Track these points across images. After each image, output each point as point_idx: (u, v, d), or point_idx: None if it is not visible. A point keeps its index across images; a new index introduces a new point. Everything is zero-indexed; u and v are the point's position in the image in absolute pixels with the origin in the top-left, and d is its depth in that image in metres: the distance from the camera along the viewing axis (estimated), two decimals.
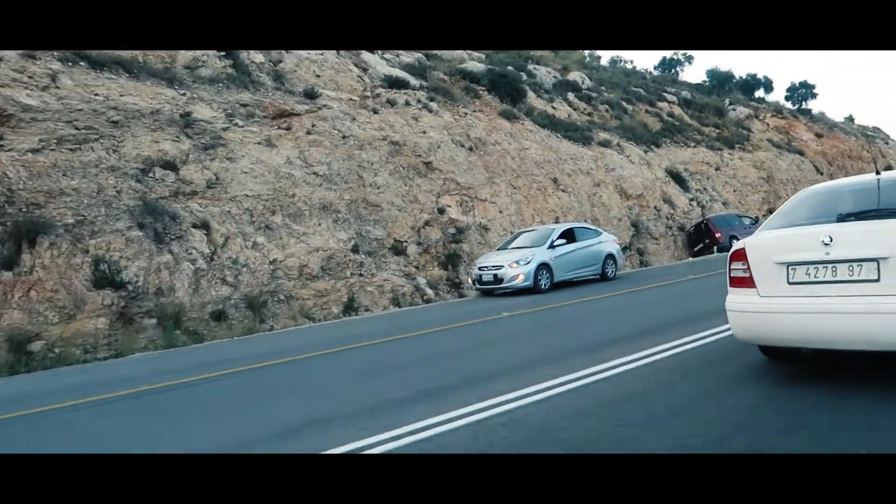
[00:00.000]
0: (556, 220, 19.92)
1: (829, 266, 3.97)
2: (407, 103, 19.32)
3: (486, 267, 13.66)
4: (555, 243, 13.51)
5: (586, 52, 45.93)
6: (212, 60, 15.95)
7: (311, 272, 14.12)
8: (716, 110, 37.25)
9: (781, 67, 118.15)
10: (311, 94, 16.97)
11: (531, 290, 13.14)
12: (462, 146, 19.14)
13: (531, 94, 25.44)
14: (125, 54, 14.40)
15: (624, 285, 13.51)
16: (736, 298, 4.58)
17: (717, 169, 30.42)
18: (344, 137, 16.68)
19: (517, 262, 13.05)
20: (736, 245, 4.73)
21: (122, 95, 13.26)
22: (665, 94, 35.99)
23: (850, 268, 3.87)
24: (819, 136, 42.79)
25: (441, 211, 17.45)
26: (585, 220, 20.65)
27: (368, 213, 15.96)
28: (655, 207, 24.06)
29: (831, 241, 3.95)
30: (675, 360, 5.66)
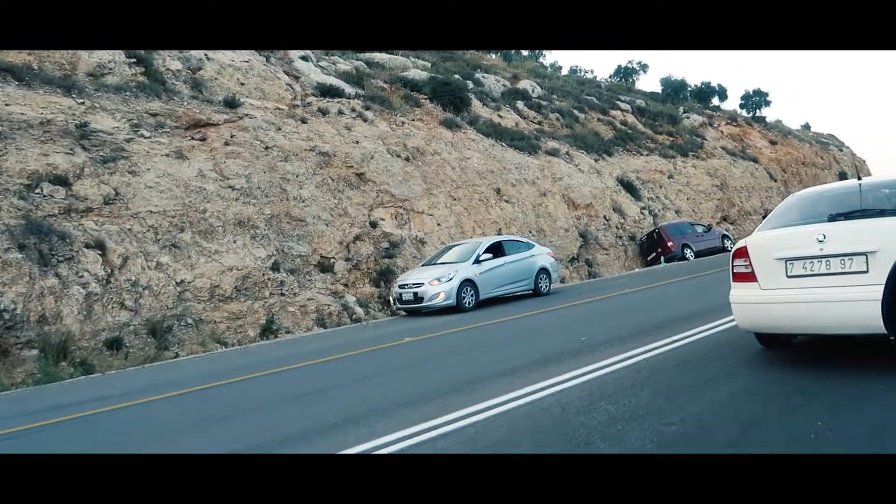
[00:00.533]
0: (499, 232, 19.20)
1: (824, 260, 4.43)
2: (340, 112, 18.45)
3: (406, 285, 12.79)
4: (480, 258, 12.69)
5: (546, 61, 45.79)
6: (119, 67, 14.89)
7: (223, 293, 13.10)
8: (669, 118, 37.15)
9: (736, 75, 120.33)
10: (231, 103, 16.00)
11: (455, 308, 12.30)
12: (398, 156, 18.33)
13: (476, 103, 24.79)
14: (17, 60, 13.30)
15: (555, 301, 12.79)
16: (739, 292, 4.98)
17: (670, 177, 30.14)
18: (267, 148, 15.73)
19: (438, 280, 12.20)
20: (738, 244, 5.16)
21: (7, 105, 12.15)
22: (619, 102, 35.74)
23: (843, 261, 4.35)
24: (773, 143, 43.07)
25: (373, 224, 16.58)
26: (530, 232, 19.98)
27: (292, 229, 15.01)
28: (605, 217, 23.53)
29: (825, 238, 4.42)
30: (571, 394, 4.85)
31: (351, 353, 9.11)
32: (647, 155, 30.95)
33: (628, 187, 26.52)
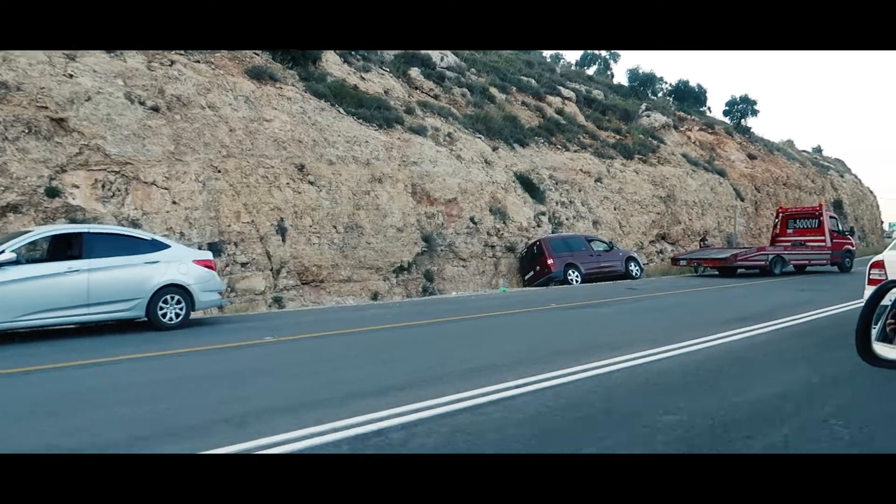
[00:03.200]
0: (280, 223, 14.02)
1: None
2: None
3: None
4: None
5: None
6: None
7: None
8: (623, 114, 31.71)
9: (724, 80, 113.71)
10: None
11: None
12: (141, 104, 13.17)
13: (334, 59, 19.55)
14: None
15: (176, 342, 7.62)
16: None
17: (598, 180, 24.77)
18: None
19: None
20: (875, 258, 8.10)
21: None
22: (562, 88, 30.31)
23: None
24: (752, 157, 37.50)
25: (53, 193, 11.47)
26: (335, 227, 14.78)
27: None
28: (473, 219, 18.26)
29: None
30: None
31: None
32: (575, 151, 25.61)
33: (528, 185, 21.22)
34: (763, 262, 18.78)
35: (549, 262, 17.60)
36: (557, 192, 22.75)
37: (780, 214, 22.27)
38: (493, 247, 18.53)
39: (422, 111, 20.43)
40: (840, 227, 21.85)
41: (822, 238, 20.59)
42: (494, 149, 21.79)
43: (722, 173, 32.69)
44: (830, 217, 21.63)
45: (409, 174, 17.20)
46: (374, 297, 14.93)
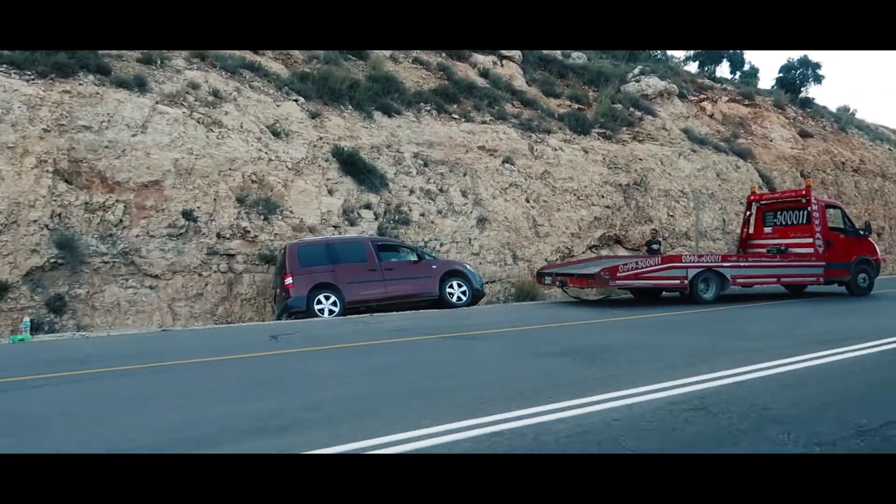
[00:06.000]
0: None
1: None
2: None
3: None
4: None
5: None
6: None
7: None
8: (596, 77, 23.71)
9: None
10: None
11: None
12: None
13: None
14: None
15: None
16: None
17: (508, 161, 17.33)
18: None
19: None
20: None
21: None
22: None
23: None
24: (805, 135, 27.84)
25: None
26: None
27: None
28: (188, 213, 11.69)
29: None
30: None
31: None
32: (483, 122, 18.31)
33: (350, 165, 14.32)
34: (676, 282, 10.80)
35: (288, 281, 10.71)
36: (422, 176, 15.66)
37: (753, 204, 13.80)
38: (230, 256, 11.86)
39: (165, 62, 14.19)
40: (848, 225, 12.99)
41: (809, 241, 12.11)
42: (314, 115, 15.11)
43: (744, 155, 23.72)
44: (827, 207, 12.96)
45: (67, 143, 10.99)
46: None
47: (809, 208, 12.32)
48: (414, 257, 11.81)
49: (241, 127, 13.34)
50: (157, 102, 12.44)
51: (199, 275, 11.44)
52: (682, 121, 24.20)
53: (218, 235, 11.78)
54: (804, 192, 12.74)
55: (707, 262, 11.09)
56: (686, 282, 10.73)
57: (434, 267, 11.77)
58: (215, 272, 11.62)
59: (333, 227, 13.26)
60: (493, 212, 16.23)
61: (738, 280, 11.26)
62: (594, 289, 11.98)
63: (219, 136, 12.80)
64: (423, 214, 14.95)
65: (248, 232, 12.11)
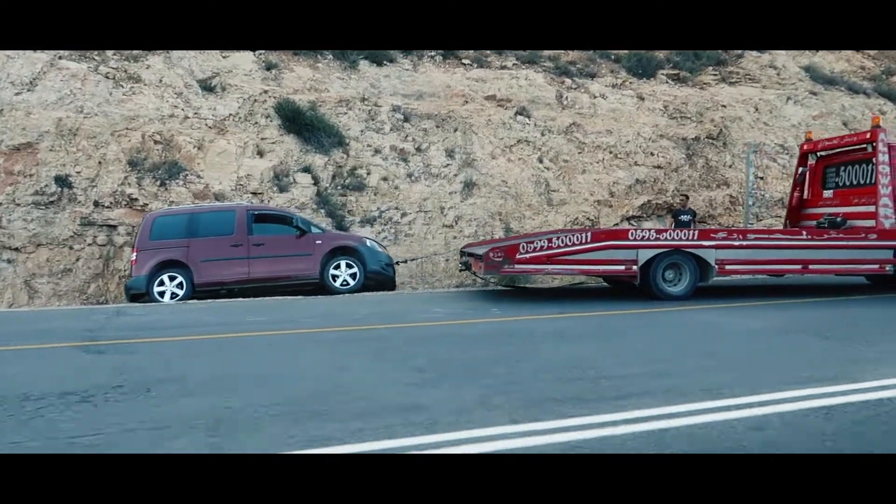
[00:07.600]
0: None
1: None
2: None
3: None
4: None
5: None
6: None
7: None
8: None
9: None
10: None
11: None
12: None
13: None
14: None
15: None
16: None
17: (520, 113, 14.03)
18: None
19: None
20: None
21: None
22: None
23: None
24: None
25: None
26: None
27: None
28: (63, 178, 10.19)
29: None
30: None
31: None
32: (501, 68, 15.13)
33: (292, 121, 12.06)
34: (618, 268, 7.14)
35: (133, 257, 8.82)
36: (397, 133, 12.98)
37: (809, 156, 9.16)
38: (111, 227, 10.24)
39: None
40: None
41: (871, 209, 7.58)
42: (270, 67, 13.08)
43: (892, 96, 17.65)
44: None
45: None
46: None
47: (875, 159, 7.71)
48: (295, 231, 9.25)
49: (161, 81, 11.68)
50: (58, 57, 11.15)
51: (70, 248, 9.98)
52: (805, 56, 18.57)
53: (96, 203, 10.22)
54: (868, 136, 8.05)
55: (671, 239, 7.19)
56: (635, 268, 7.01)
57: (318, 243, 9.13)
58: (90, 245, 10.09)
59: (252, 193, 11.16)
60: (488, 174, 13.05)
61: (729, 266, 7.22)
62: (499, 275, 8.51)
63: (126, 92, 11.24)
64: (385, 178, 12.29)
65: (136, 200, 10.41)
